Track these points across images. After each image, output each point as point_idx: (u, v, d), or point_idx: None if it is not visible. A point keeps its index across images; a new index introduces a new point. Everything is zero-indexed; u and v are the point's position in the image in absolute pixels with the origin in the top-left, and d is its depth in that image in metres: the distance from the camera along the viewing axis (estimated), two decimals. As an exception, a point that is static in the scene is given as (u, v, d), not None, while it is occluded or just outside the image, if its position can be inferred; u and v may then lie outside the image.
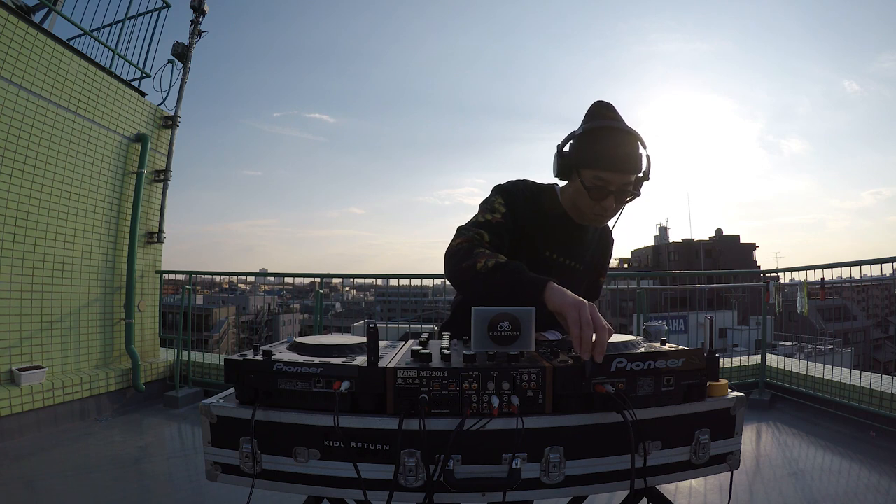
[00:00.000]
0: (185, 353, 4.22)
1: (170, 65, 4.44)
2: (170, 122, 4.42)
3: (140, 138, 4.13)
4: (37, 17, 3.77)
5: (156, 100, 4.40)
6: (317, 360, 0.82)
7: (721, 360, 1.05)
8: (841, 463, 2.76)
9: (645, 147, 1.13)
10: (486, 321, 0.83)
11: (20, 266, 3.25)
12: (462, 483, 0.75)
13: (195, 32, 4.52)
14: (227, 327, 19.80)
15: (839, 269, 3.67)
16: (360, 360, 0.81)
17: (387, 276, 4.84)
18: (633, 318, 4.57)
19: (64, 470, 2.61)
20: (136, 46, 4.26)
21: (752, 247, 44.34)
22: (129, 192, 4.08)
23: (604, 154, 1.09)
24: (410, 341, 1.12)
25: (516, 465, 0.75)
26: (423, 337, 1.08)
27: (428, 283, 4.46)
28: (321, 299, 4.31)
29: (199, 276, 4.64)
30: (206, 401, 0.83)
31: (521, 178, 1.28)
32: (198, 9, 4.49)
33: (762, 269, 4.77)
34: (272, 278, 5.15)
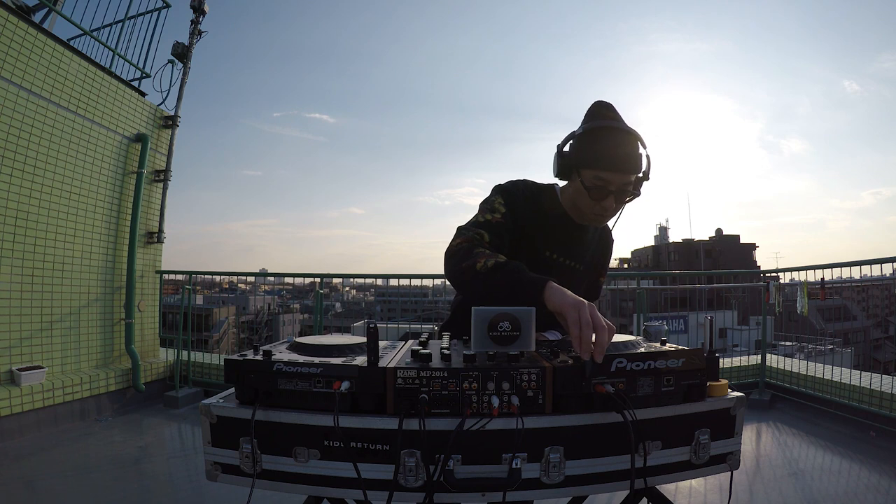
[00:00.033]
0: (185, 353, 4.22)
1: (170, 65, 4.44)
2: (170, 122, 4.42)
3: (140, 138, 4.13)
4: (37, 17, 3.77)
5: (156, 100, 4.41)
6: (317, 360, 0.82)
7: (721, 360, 1.05)
8: (841, 463, 2.76)
9: (645, 147, 1.13)
10: (486, 321, 0.83)
11: (20, 266, 3.25)
12: (462, 483, 0.75)
13: (195, 32, 4.52)
14: (227, 327, 19.80)
15: (839, 269, 3.67)
16: (360, 360, 0.81)
17: (387, 276, 4.84)
18: (633, 318, 4.57)
19: (64, 470, 2.61)
20: (136, 46, 4.27)
21: (752, 247, 44.35)
22: (129, 192, 4.08)
23: (604, 154, 1.09)
24: (410, 341, 1.12)
25: (516, 465, 0.75)
26: (423, 337, 1.08)
27: (428, 283, 4.46)
28: (321, 299, 4.31)
29: (199, 276, 4.64)
30: (206, 401, 0.83)
31: (521, 178, 1.28)
32: (198, 9, 4.49)
33: (762, 269, 4.77)
34: (272, 278, 5.15)
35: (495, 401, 0.76)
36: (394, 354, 0.92)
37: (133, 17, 4.18)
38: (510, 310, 0.84)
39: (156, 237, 4.36)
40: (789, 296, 4.23)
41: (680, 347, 0.90)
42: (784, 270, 4.30)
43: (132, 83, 4.22)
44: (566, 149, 1.16)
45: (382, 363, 0.81)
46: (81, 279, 3.69)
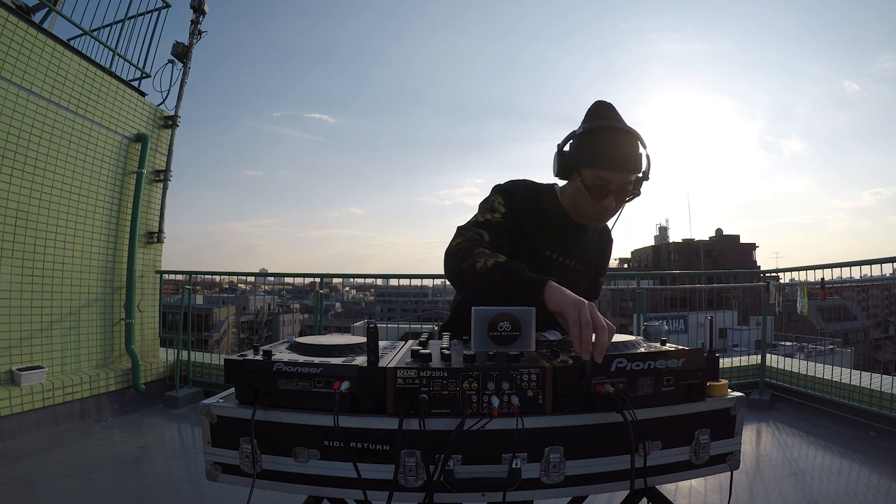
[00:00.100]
0: (185, 353, 4.22)
1: (170, 65, 4.44)
2: (170, 122, 4.42)
3: (140, 138, 4.13)
4: (37, 17, 3.77)
5: (156, 100, 4.41)
6: (317, 360, 0.82)
7: (721, 360, 1.05)
8: (841, 463, 2.76)
9: (645, 147, 1.13)
10: (486, 321, 0.83)
11: (20, 266, 3.25)
12: (462, 483, 0.75)
13: (195, 32, 4.52)
14: (227, 327, 19.80)
15: (839, 269, 3.67)
16: (360, 360, 0.81)
17: (387, 276, 4.84)
18: (633, 318, 4.57)
19: (64, 470, 2.61)
20: (136, 46, 4.27)
21: (752, 247, 44.35)
22: (129, 192, 4.08)
23: (604, 153, 1.09)
24: (410, 341, 1.12)
25: (516, 465, 0.75)
26: (423, 337, 1.08)
27: (428, 283, 4.46)
28: (321, 299, 4.31)
29: (199, 276, 4.64)
30: (206, 401, 0.83)
31: (521, 178, 1.28)
32: (198, 9, 4.49)
33: (762, 269, 4.77)
34: (272, 278, 5.15)
35: (495, 401, 0.76)
36: (394, 354, 0.92)
37: (133, 17, 4.18)
38: (510, 310, 0.84)
39: (156, 237, 4.36)
40: (789, 296, 4.23)
41: (680, 347, 0.90)
42: (784, 270, 4.30)
43: (132, 83, 4.22)
44: (566, 148, 1.16)
45: (382, 363, 0.81)
46: (81, 279, 3.69)
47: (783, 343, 6.08)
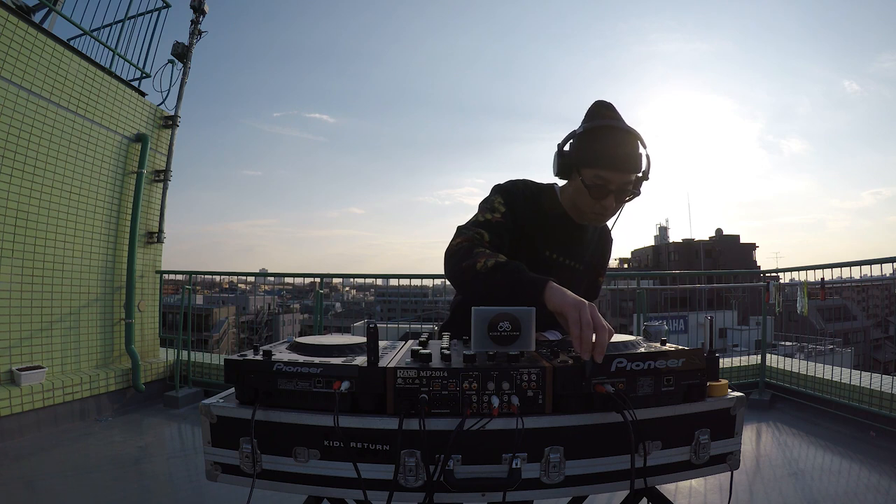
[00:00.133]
0: (185, 353, 4.22)
1: (170, 65, 4.44)
2: (170, 122, 4.42)
3: (140, 138, 4.14)
4: (37, 17, 3.77)
5: (156, 100, 4.41)
6: (317, 360, 0.82)
7: (721, 360, 1.05)
8: (841, 463, 2.76)
9: (645, 147, 1.13)
10: (486, 321, 0.83)
11: (20, 266, 3.25)
12: (462, 483, 0.75)
13: (195, 32, 4.52)
14: (227, 327, 19.80)
15: (839, 269, 3.67)
16: (360, 360, 0.81)
17: (387, 276, 4.84)
18: (633, 318, 4.57)
19: (64, 470, 2.61)
20: (136, 46, 4.27)
21: (752, 247, 44.35)
22: (129, 192, 4.08)
23: (604, 153, 1.09)
24: (410, 341, 1.12)
25: (516, 465, 0.75)
26: (423, 337, 1.08)
27: (428, 283, 4.46)
28: (321, 299, 4.31)
29: (199, 276, 4.64)
30: (206, 401, 0.83)
31: (521, 178, 1.28)
32: (198, 9, 4.49)
33: (762, 269, 4.78)
34: (272, 278, 5.15)
35: (495, 401, 0.76)
36: (394, 354, 0.92)
37: (133, 17, 4.18)
38: (510, 310, 0.84)
39: (156, 237, 4.36)
40: (789, 296, 4.23)
41: (680, 347, 0.90)
42: (784, 270, 4.30)
43: (132, 83, 4.22)
44: (566, 148, 1.16)
45: (382, 363, 0.81)
46: (81, 279, 3.69)
47: (783, 343, 6.08)
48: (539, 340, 1.05)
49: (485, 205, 1.21)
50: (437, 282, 4.48)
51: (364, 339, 0.88)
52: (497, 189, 1.23)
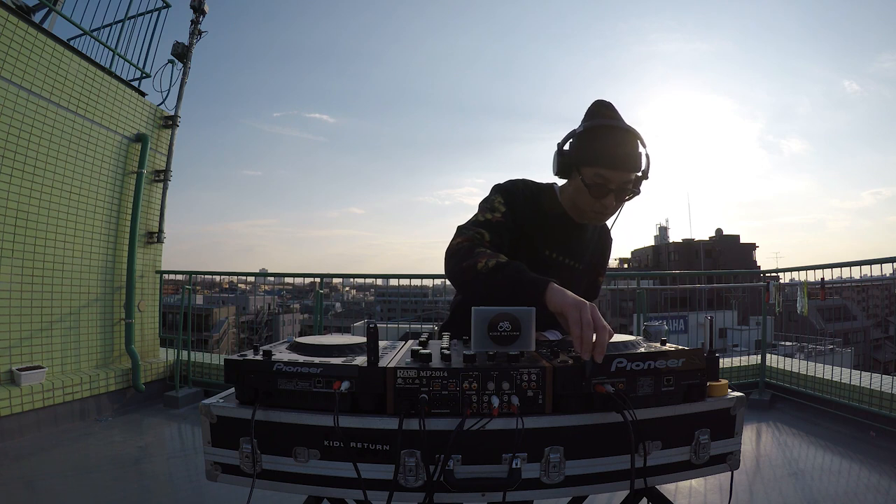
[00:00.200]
0: (185, 353, 4.22)
1: (170, 65, 4.44)
2: (170, 122, 4.42)
3: (140, 138, 4.14)
4: (37, 17, 3.77)
5: (156, 100, 4.41)
6: (317, 360, 0.82)
7: (721, 360, 1.05)
8: (841, 463, 2.76)
9: (644, 146, 1.13)
10: (486, 321, 0.83)
11: (20, 266, 3.25)
12: (462, 483, 0.75)
13: (195, 32, 4.52)
14: (227, 327, 19.81)
15: (839, 269, 3.67)
16: (360, 360, 0.81)
17: (387, 276, 4.84)
18: (633, 318, 4.57)
19: (64, 470, 2.61)
20: (136, 46, 4.27)
21: (752, 247, 44.36)
22: (129, 192, 4.08)
23: (604, 152, 1.10)
24: (410, 341, 1.12)
25: (516, 465, 0.75)
26: (423, 337, 1.08)
27: (428, 283, 4.46)
28: (321, 299, 4.31)
29: (199, 276, 4.64)
30: (206, 401, 0.83)
31: (521, 178, 1.28)
32: (198, 9, 4.49)
33: (762, 269, 4.78)
34: (272, 278, 5.15)
35: (495, 401, 0.76)
36: (394, 354, 0.92)
37: (133, 17, 4.18)
38: (510, 310, 0.84)
39: (156, 237, 4.36)
40: (789, 296, 4.23)
41: (680, 347, 0.90)
42: (784, 270, 4.30)
43: (132, 83, 4.22)
44: (566, 147, 1.16)
45: (382, 363, 0.81)
46: (81, 279, 3.69)
47: (783, 343, 6.08)
48: (539, 340, 1.05)
49: (485, 204, 1.21)
50: (437, 282, 4.48)
51: (364, 339, 0.88)
52: (497, 189, 1.24)
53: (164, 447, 3.15)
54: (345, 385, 0.77)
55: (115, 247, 4.00)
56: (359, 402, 0.79)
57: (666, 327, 5.52)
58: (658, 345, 0.93)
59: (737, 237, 45.53)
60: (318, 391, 0.79)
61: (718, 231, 46.23)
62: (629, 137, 1.11)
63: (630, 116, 1.15)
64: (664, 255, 45.42)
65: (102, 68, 3.88)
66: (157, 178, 4.35)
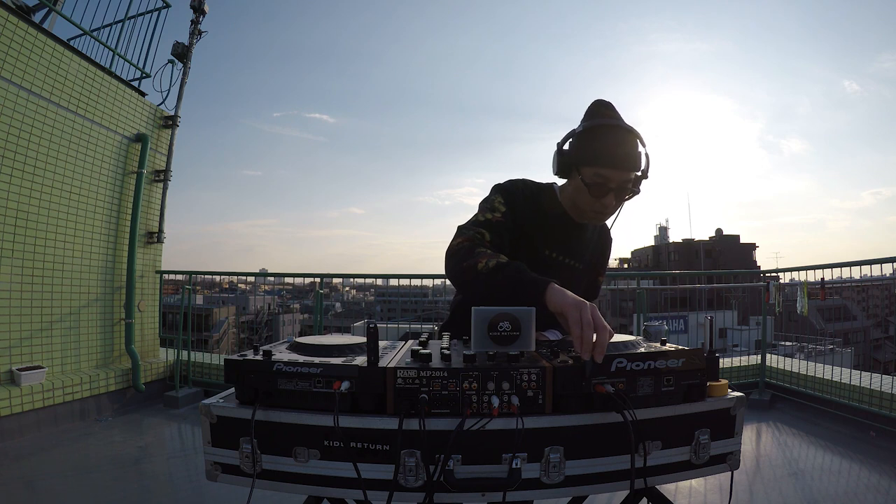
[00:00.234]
0: (185, 353, 4.22)
1: (170, 65, 4.44)
2: (170, 122, 4.42)
3: (140, 138, 4.14)
4: (37, 17, 3.77)
5: (156, 100, 4.41)
6: (317, 360, 0.82)
7: (721, 360, 1.05)
8: (841, 463, 2.76)
9: (644, 145, 1.13)
10: (486, 321, 0.83)
11: (20, 266, 3.25)
12: (462, 483, 0.75)
13: (195, 32, 4.52)
14: (227, 327, 19.81)
15: (839, 269, 3.67)
16: (360, 360, 0.81)
17: (387, 276, 4.84)
18: (633, 318, 4.57)
19: (64, 470, 2.61)
20: (136, 46, 4.27)
21: (752, 247, 44.35)
22: (129, 192, 4.08)
23: (604, 151, 1.10)
24: (410, 341, 1.12)
25: (516, 465, 0.75)
26: (423, 337, 1.08)
27: (428, 283, 4.46)
28: (321, 299, 4.31)
29: (199, 276, 4.64)
30: (206, 401, 0.83)
31: (520, 178, 1.28)
32: (198, 9, 4.49)
33: (762, 269, 4.77)
34: (272, 278, 5.15)
35: (495, 401, 0.76)
36: (394, 354, 0.92)
37: (133, 17, 4.18)
38: (510, 310, 0.84)
39: (156, 237, 4.36)
40: (789, 296, 4.23)
41: (680, 347, 0.90)
42: (784, 270, 4.30)
43: (132, 83, 4.22)
44: (566, 147, 1.16)
45: (382, 363, 0.81)
46: (81, 279, 3.69)
47: (783, 343, 6.08)
48: (539, 340, 1.05)
49: (485, 204, 1.21)
50: (437, 282, 4.48)
51: (364, 339, 0.88)
52: (497, 189, 1.24)
53: (164, 447, 3.15)
54: (345, 385, 0.77)
55: (115, 247, 4.00)
56: (359, 402, 0.79)
57: (666, 327, 5.52)
58: (658, 345, 0.93)
59: (737, 237, 45.53)
60: (318, 391, 0.79)
61: (718, 231, 46.23)
62: (629, 137, 1.11)
63: (630, 116, 1.16)
64: (664, 255, 45.42)
65: (102, 68, 3.88)
66: (157, 178, 4.35)
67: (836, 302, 9.16)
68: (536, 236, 1.22)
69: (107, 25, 4.11)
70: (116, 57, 4.10)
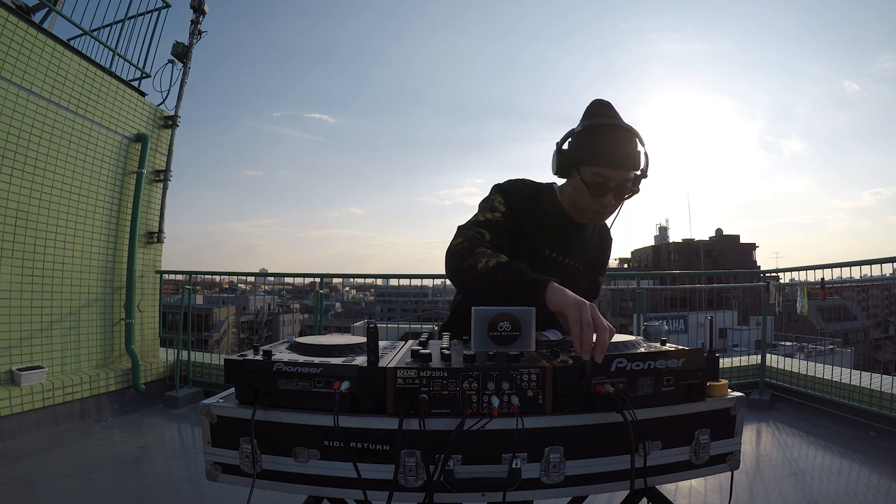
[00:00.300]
0: (185, 353, 4.22)
1: (170, 65, 4.44)
2: (170, 122, 4.42)
3: (140, 138, 4.14)
4: (37, 17, 3.77)
5: (156, 100, 4.41)
6: (317, 360, 0.82)
7: (721, 360, 1.05)
8: (841, 463, 2.76)
9: (643, 144, 1.13)
10: (486, 321, 0.83)
11: (20, 266, 3.25)
12: (462, 483, 0.75)
13: (195, 32, 4.52)
14: (227, 327, 19.81)
15: (839, 269, 3.67)
16: (360, 360, 0.81)
17: (387, 276, 4.84)
18: (633, 318, 4.57)
19: (64, 470, 2.61)
20: (136, 46, 4.27)
21: (752, 247, 44.35)
22: (129, 192, 4.08)
23: (603, 151, 1.10)
24: (410, 341, 1.12)
25: (516, 465, 0.75)
26: (423, 337, 1.08)
27: (428, 283, 4.46)
28: (321, 299, 4.31)
29: (199, 276, 4.64)
30: (206, 401, 0.83)
31: (520, 178, 1.28)
32: (198, 9, 4.49)
33: (762, 269, 4.77)
34: (272, 278, 5.15)
35: (495, 401, 0.76)
36: (394, 354, 0.92)
37: (133, 17, 4.18)
38: (510, 310, 0.84)
39: (156, 237, 4.36)
40: (789, 296, 4.23)
41: (680, 347, 0.90)
42: (784, 270, 4.30)
43: (132, 83, 4.22)
44: (565, 146, 1.16)
45: (382, 363, 0.81)
46: (81, 279, 3.69)
47: (783, 343, 6.08)
48: (539, 340, 1.05)
49: (485, 204, 1.21)
50: (437, 282, 4.48)
51: (364, 339, 0.88)
52: (497, 188, 1.24)
53: (164, 447, 3.15)
54: (345, 385, 0.77)
55: (115, 247, 4.00)
56: (359, 402, 0.79)
57: (666, 327, 5.52)
58: (658, 345, 0.93)
59: (737, 237, 45.53)
60: (318, 391, 0.79)
61: (718, 231, 46.23)
62: (628, 136, 1.11)
63: (630, 116, 1.16)
64: (664, 255, 45.42)
65: (102, 68, 3.88)
66: (157, 178, 4.35)
67: (836, 302, 9.15)
68: (536, 236, 1.22)
69: (107, 25, 4.11)
70: (116, 57, 4.10)
